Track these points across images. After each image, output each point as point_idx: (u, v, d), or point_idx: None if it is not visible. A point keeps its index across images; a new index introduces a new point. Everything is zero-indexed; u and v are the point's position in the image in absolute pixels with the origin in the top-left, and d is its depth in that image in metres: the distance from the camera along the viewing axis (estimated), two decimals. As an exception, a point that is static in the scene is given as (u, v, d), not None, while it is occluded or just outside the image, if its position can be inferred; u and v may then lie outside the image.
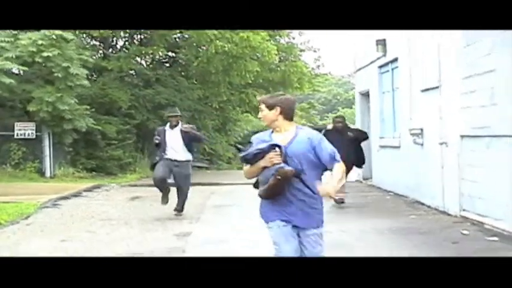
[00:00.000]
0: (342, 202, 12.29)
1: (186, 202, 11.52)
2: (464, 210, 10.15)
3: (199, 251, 8.20)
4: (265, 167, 4.92)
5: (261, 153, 4.92)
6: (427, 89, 11.79)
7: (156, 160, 11.47)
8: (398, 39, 13.65)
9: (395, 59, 14.27)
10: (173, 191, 11.40)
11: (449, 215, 10.71)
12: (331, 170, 5.01)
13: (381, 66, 15.79)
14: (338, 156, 5.01)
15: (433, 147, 11.45)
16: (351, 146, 12.18)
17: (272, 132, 5.15)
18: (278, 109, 5.08)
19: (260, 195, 5.05)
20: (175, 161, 11.16)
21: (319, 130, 11.30)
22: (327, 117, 57.43)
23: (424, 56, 11.99)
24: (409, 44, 12.96)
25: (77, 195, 15.15)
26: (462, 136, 10.13)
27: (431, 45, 11.51)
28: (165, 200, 11.33)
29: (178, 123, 11.30)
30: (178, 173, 11.25)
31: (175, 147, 11.18)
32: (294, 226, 4.96)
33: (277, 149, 4.87)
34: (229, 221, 10.89)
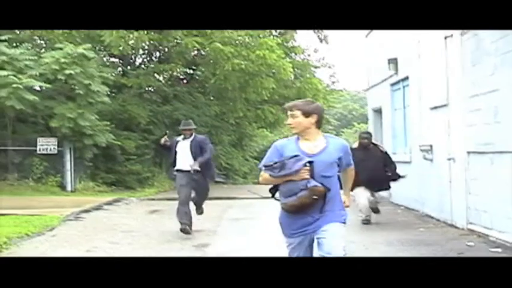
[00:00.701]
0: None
1: (203, 216, 11.79)
2: (470, 223, 10.55)
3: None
4: (290, 179, 4.87)
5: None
6: (436, 107, 12.23)
7: (169, 172, 11.84)
8: (409, 58, 14.11)
9: (407, 78, 14.72)
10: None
11: (456, 227, 11.12)
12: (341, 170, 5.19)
13: (392, 84, 16.23)
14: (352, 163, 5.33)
15: (442, 162, 11.85)
16: (378, 164, 11.94)
17: (298, 139, 5.08)
18: (315, 117, 5.04)
19: (284, 209, 5.00)
20: (184, 171, 10.95)
21: None
22: (343, 132, 57.81)
23: (433, 75, 12.45)
24: (419, 62, 13.42)
25: (98, 208, 15.65)
26: (469, 152, 10.55)
27: (439, 64, 11.97)
28: (185, 227, 10.82)
29: (192, 136, 11.18)
30: (195, 187, 11.14)
31: (184, 158, 10.99)
32: (312, 232, 4.95)
33: (307, 164, 4.83)
34: (245, 234, 11.32)
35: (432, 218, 12.55)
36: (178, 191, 11.08)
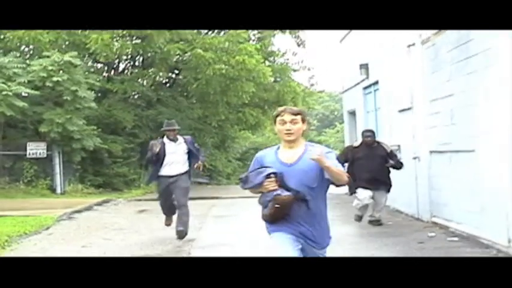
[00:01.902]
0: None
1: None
2: (434, 216, 11.54)
3: (203, 252, 9.60)
4: (261, 192, 4.86)
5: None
6: (403, 110, 13.21)
7: (151, 176, 11.37)
8: (379, 63, 15.11)
9: (377, 82, 15.71)
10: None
11: (422, 221, 12.10)
12: (336, 184, 4.93)
13: (364, 88, 17.22)
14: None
15: (409, 161, 12.79)
16: (382, 163, 11.65)
17: (278, 148, 4.99)
18: (306, 123, 4.99)
19: (264, 220, 4.98)
20: (172, 176, 10.67)
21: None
22: (325, 132, 58.71)
23: (399, 80, 13.44)
24: (387, 68, 14.42)
25: (88, 209, 16.51)
26: (431, 151, 11.54)
27: (404, 71, 12.95)
28: (168, 221, 11.33)
29: (176, 137, 10.81)
30: (175, 187, 10.74)
31: (175, 161, 10.67)
32: (301, 242, 4.85)
33: (272, 175, 4.76)
34: (229, 229, 12.20)
35: (401, 212, 13.53)
36: (160, 195, 11.10)
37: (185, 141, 10.83)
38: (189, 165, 10.89)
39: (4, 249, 10.20)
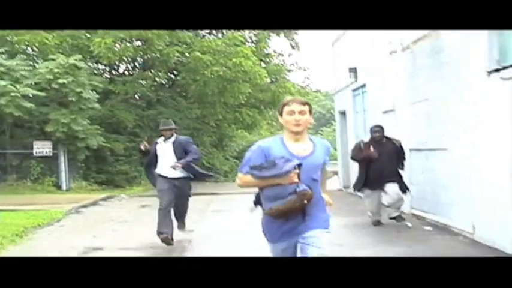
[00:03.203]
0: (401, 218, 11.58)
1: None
2: (413, 208, 12.59)
3: (203, 241, 10.64)
4: (277, 184, 4.56)
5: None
6: (386, 111, 14.26)
7: (152, 179, 10.75)
8: (366, 67, 16.15)
9: (364, 85, 16.77)
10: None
11: (403, 212, 13.12)
12: None
13: (353, 90, 18.25)
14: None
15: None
16: (391, 160, 11.35)
17: (282, 140, 4.74)
18: (312, 115, 4.81)
19: (269, 214, 4.70)
20: (173, 179, 10.28)
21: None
22: (322, 131, 59.66)
23: (383, 84, 14.49)
24: (373, 72, 15.46)
25: (94, 204, 17.57)
26: (411, 149, 12.56)
27: (388, 75, 14.00)
28: (162, 236, 10.16)
29: (172, 136, 10.43)
30: (177, 194, 10.40)
31: (167, 162, 10.26)
32: (298, 235, 4.71)
33: (297, 167, 4.52)
34: (227, 222, 13.21)
35: (384, 205, 14.54)
36: (160, 196, 10.36)
37: (174, 141, 10.37)
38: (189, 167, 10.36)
39: (22, 238, 11.24)
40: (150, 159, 10.58)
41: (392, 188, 11.31)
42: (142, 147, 10.68)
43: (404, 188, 11.48)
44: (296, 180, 4.49)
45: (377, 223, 11.67)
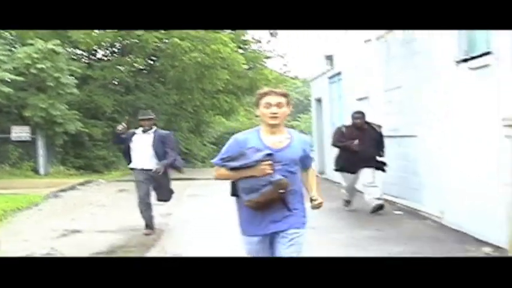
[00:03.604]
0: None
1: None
2: (385, 193, 12.89)
3: (179, 225, 10.90)
4: (251, 176, 4.46)
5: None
6: (361, 98, 14.57)
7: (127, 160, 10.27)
8: (342, 55, 16.45)
9: (340, 73, 17.07)
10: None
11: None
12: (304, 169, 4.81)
13: (330, 77, 18.56)
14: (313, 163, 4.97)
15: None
16: (372, 147, 11.39)
17: (258, 132, 4.65)
18: (290, 106, 4.69)
19: (248, 206, 4.57)
20: (146, 170, 9.88)
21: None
22: (299, 117, 59.82)
23: (358, 72, 14.79)
24: (349, 60, 15.76)
25: (72, 188, 17.73)
26: (384, 136, 12.88)
27: (363, 63, 14.30)
28: (149, 230, 10.09)
29: (151, 128, 10.05)
30: (156, 185, 10.10)
31: (143, 155, 9.88)
32: (273, 233, 4.63)
33: (269, 157, 4.44)
34: (202, 206, 13.52)
35: (359, 191, 14.88)
36: (137, 188, 10.09)
37: (155, 134, 9.99)
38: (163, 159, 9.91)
39: (1, 221, 11.46)
40: (125, 150, 10.14)
41: (367, 172, 11.47)
42: (120, 128, 10.00)
43: (380, 167, 11.57)
44: (269, 171, 4.41)
45: (347, 204, 11.99)
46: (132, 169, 10.17)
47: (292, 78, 41.61)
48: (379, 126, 11.66)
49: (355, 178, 11.69)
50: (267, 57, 32.91)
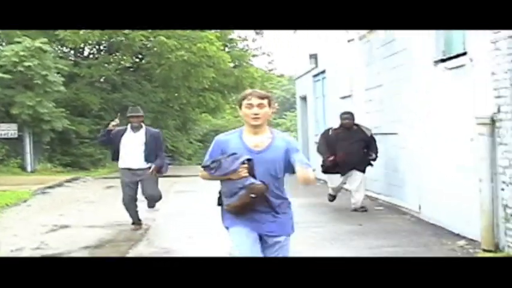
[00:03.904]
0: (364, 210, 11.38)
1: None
2: (367, 190, 13.16)
3: (166, 220, 11.16)
4: (229, 178, 4.48)
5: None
6: (344, 97, 14.87)
7: (112, 156, 10.28)
8: (326, 54, 16.75)
9: (324, 71, 17.38)
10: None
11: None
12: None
13: (314, 76, 18.86)
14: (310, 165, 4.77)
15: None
16: (359, 148, 11.31)
17: (241, 133, 4.66)
18: (272, 107, 4.70)
19: (227, 210, 4.62)
20: (133, 169, 9.82)
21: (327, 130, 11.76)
22: (285, 115, 59.99)
23: (341, 70, 15.10)
24: (332, 59, 16.06)
25: (60, 185, 17.97)
26: (366, 134, 13.22)
27: (346, 62, 14.60)
28: (137, 226, 10.26)
29: (140, 125, 9.94)
30: (145, 182, 9.94)
31: (131, 153, 9.77)
32: (260, 235, 4.62)
33: (246, 162, 4.44)
34: (189, 201, 13.78)
35: (343, 188, 15.19)
36: (124, 186, 10.02)
37: (146, 133, 9.89)
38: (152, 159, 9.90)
39: (-10, 217, 11.67)
40: (115, 151, 9.97)
41: (357, 176, 11.34)
42: (114, 123, 9.87)
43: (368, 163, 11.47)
44: (245, 174, 4.40)
45: (332, 198, 12.04)
46: (122, 168, 9.93)
47: (278, 76, 41.90)
48: (369, 130, 11.53)
49: (342, 179, 11.57)
50: (253, 56, 33.22)
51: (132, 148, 9.75)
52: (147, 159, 9.80)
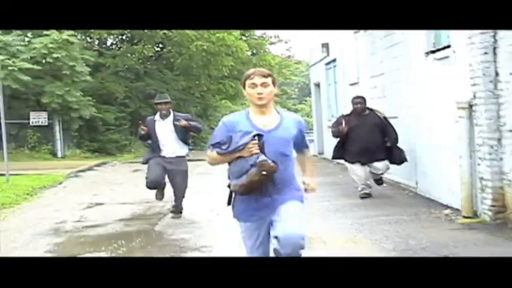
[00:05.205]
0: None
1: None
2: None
3: (191, 197, 12.33)
4: (240, 156, 4.41)
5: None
6: (352, 84, 15.99)
7: (147, 157, 10.09)
8: (336, 43, 17.84)
9: (335, 59, 18.50)
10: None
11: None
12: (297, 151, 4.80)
13: (326, 64, 20.00)
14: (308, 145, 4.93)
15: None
16: (374, 132, 10.92)
17: (248, 114, 4.58)
18: (276, 86, 4.62)
19: (235, 191, 4.54)
20: (169, 158, 9.76)
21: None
22: (305, 101, 60.79)
23: (350, 59, 16.21)
24: (342, 48, 17.16)
25: (90, 169, 19.40)
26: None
27: (353, 52, 15.71)
28: (159, 195, 10.26)
29: (169, 112, 9.78)
30: (173, 171, 9.86)
31: (167, 142, 9.71)
32: (270, 213, 4.52)
33: (256, 138, 4.37)
34: (211, 182, 14.95)
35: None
36: (148, 169, 9.89)
37: (174, 119, 9.74)
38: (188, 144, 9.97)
39: (32, 196, 13.01)
40: (153, 140, 9.82)
41: (380, 165, 11.12)
42: (143, 132, 9.82)
43: (397, 160, 11.05)
44: (256, 151, 4.34)
45: (365, 195, 11.14)
46: (161, 157, 9.74)
47: (295, 62, 42.86)
48: (381, 113, 11.26)
49: (364, 171, 11.16)
50: (271, 43, 34.29)
51: (167, 138, 9.69)
52: (184, 142, 9.80)
